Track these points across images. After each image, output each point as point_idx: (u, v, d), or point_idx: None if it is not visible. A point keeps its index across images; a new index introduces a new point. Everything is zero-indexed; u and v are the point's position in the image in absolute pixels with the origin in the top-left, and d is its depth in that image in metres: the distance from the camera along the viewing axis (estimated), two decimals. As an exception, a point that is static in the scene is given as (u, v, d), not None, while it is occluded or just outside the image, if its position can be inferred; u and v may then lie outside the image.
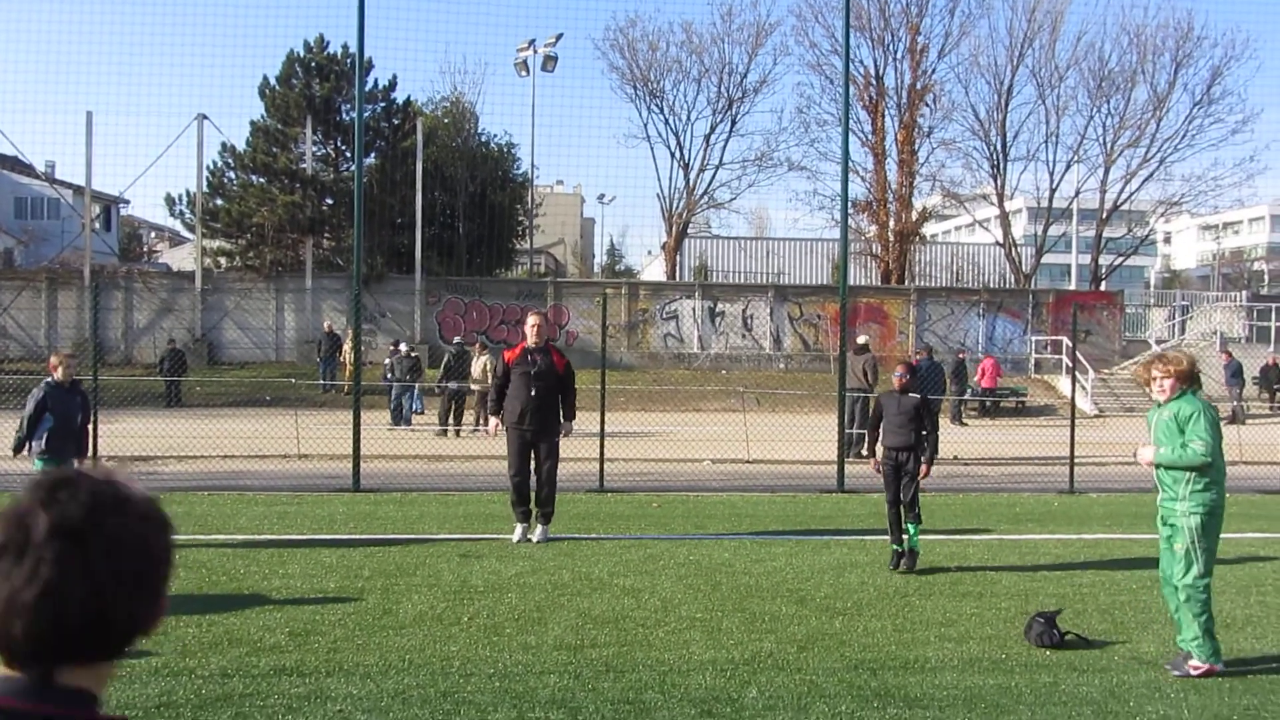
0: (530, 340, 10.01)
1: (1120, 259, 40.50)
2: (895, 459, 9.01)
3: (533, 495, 10.07)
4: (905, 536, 8.95)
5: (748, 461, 17.04)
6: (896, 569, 8.82)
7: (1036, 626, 6.77)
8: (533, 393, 9.80)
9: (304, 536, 10.16)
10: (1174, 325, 37.34)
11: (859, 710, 5.45)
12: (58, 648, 1.31)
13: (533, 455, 9.99)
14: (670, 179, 40.42)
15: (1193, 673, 6.06)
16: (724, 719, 5.30)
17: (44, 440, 9.21)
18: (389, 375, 22.94)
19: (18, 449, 9.31)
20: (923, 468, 9.00)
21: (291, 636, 6.62)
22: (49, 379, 9.37)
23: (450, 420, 21.68)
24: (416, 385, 22.96)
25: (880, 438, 9.25)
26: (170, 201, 34.15)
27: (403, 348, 24.19)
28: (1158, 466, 6.31)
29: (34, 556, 1.29)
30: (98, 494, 1.35)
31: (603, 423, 14.16)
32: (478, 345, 23.05)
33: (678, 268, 40.28)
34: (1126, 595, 8.19)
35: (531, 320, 10.11)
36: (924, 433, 9.04)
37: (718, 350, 34.02)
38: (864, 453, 17.02)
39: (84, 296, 30.42)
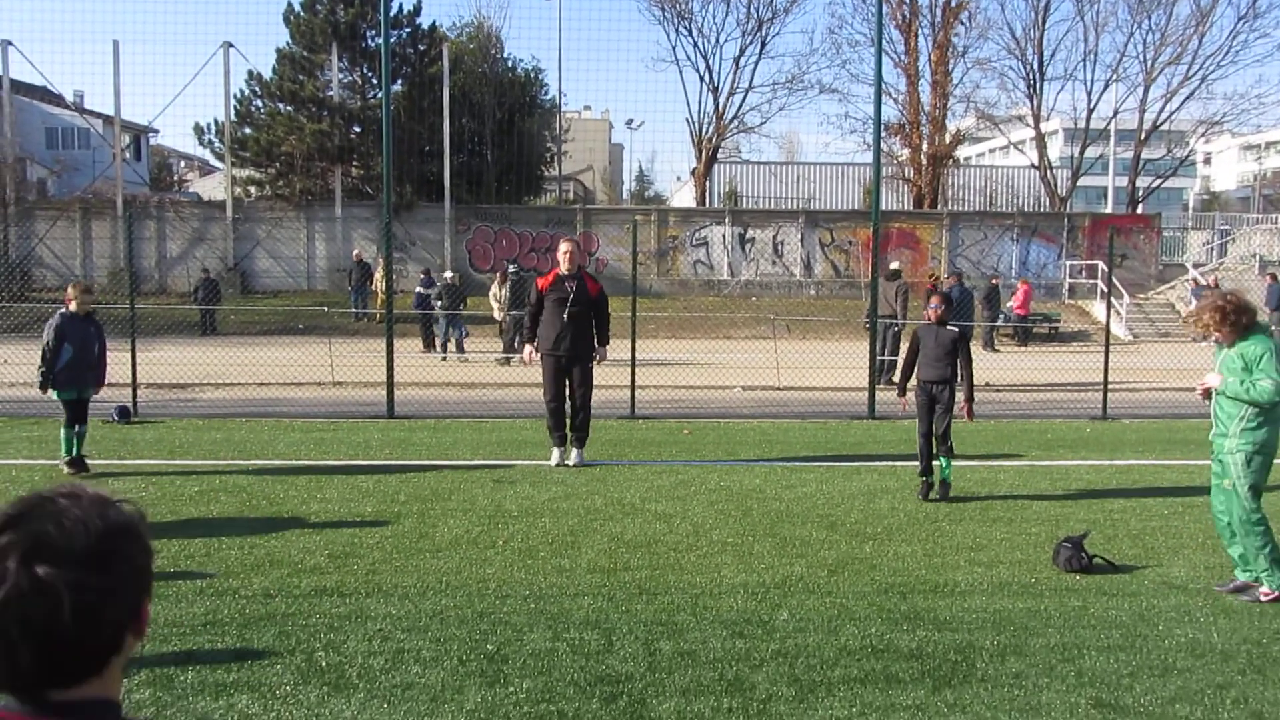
0: (563, 267, 10.01)
1: (1158, 181, 39.67)
2: (930, 392, 8.92)
3: (568, 420, 10.18)
4: (937, 466, 8.94)
5: (778, 388, 17.06)
6: (925, 499, 8.81)
7: (1064, 551, 6.81)
8: (566, 318, 9.85)
9: (340, 462, 10.33)
10: (1213, 249, 36.71)
11: (889, 632, 5.53)
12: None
13: (567, 381, 10.07)
14: (699, 103, 39.87)
15: (1263, 598, 6.12)
16: (755, 640, 5.40)
17: (63, 370, 9.35)
18: (438, 303, 22.49)
19: (45, 384, 9.41)
20: (964, 405, 8.91)
21: (331, 558, 6.78)
22: (64, 310, 9.48)
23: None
24: (460, 313, 22.62)
25: (915, 371, 9.14)
26: (199, 130, 34.11)
27: (447, 275, 23.87)
28: (1218, 398, 6.24)
29: None
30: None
31: (633, 350, 14.20)
32: (499, 273, 22.86)
33: (707, 194, 39.89)
34: (1158, 521, 8.19)
35: (564, 247, 10.08)
36: (959, 367, 8.93)
37: (748, 277, 33.86)
38: (894, 382, 17.00)
39: (117, 226, 30.66)
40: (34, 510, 1.35)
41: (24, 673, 1.31)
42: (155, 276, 31.72)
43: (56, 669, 1.33)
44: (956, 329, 9.02)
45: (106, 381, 9.99)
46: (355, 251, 30.15)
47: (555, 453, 10.18)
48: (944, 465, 8.89)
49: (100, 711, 1.37)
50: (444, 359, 21.32)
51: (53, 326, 9.36)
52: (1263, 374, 6.00)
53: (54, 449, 10.44)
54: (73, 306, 9.48)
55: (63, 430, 9.54)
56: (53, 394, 9.46)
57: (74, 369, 9.40)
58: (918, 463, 9.07)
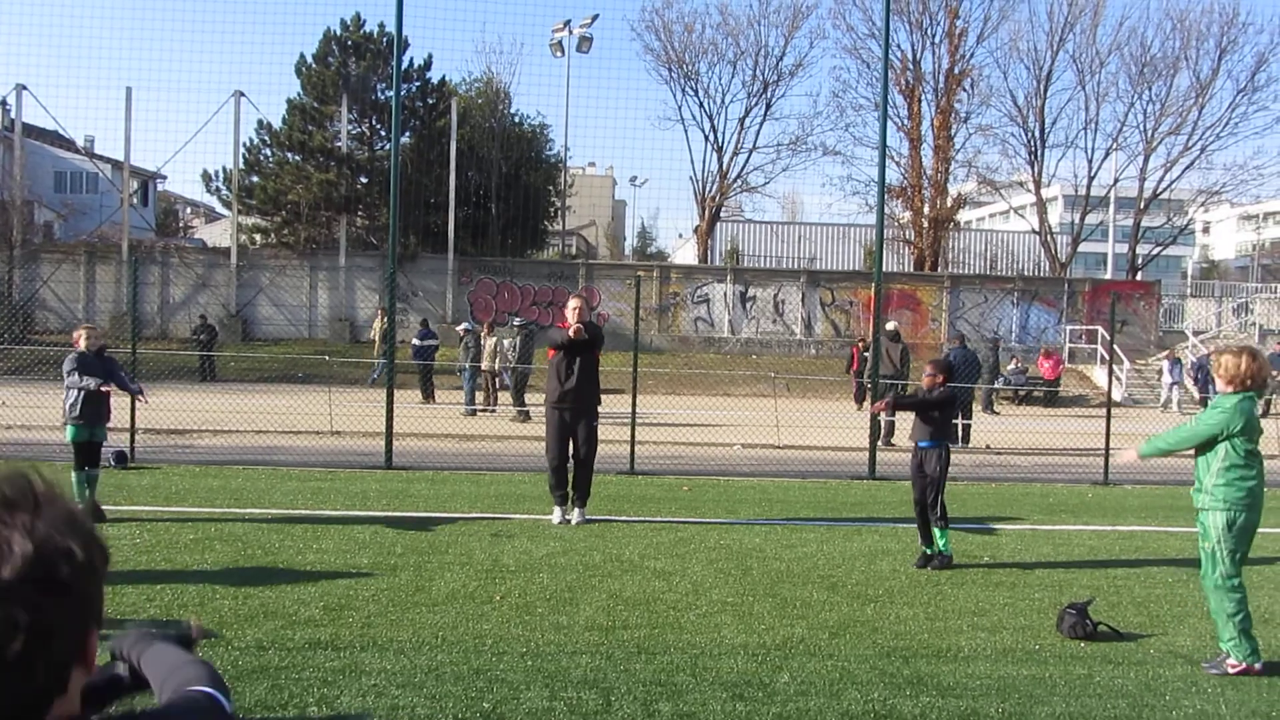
0: (571, 321, 9.95)
1: (1158, 248, 39.95)
2: (919, 457, 8.81)
3: (570, 478, 10.11)
4: (934, 538, 8.72)
5: (778, 447, 16.99)
6: (923, 568, 8.56)
7: (1069, 618, 6.72)
8: (574, 377, 9.80)
9: (337, 512, 10.25)
10: (1220, 315, 36.91)
11: (891, 697, 5.44)
12: None
13: (571, 440, 10.00)
14: (704, 162, 40.36)
15: (1230, 671, 5.99)
16: (756, 703, 5.30)
17: (78, 408, 9.33)
18: (468, 357, 21.64)
19: (97, 386, 9.41)
20: (885, 401, 9.43)
21: (326, 611, 6.68)
22: (76, 351, 9.53)
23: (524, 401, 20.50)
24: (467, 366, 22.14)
25: (911, 432, 9.09)
26: (207, 178, 34.52)
27: (463, 327, 23.54)
28: (1197, 460, 6.27)
29: None
30: None
31: (634, 405, 14.17)
32: (486, 325, 22.68)
33: (709, 251, 40.14)
34: (1162, 588, 8.11)
35: (573, 304, 10.04)
36: (948, 425, 8.91)
37: (748, 335, 33.94)
38: (893, 444, 16.95)
39: (122, 270, 30.80)
40: None
41: None
42: (158, 321, 31.80)
43: None
44: (949, 391, 8.99)
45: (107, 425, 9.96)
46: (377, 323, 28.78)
47: (557, 511, 10.07)
48: (937, 536, 8.67)
49: None
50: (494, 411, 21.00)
51: (70, 369, 9.34)
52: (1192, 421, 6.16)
53: (49, 492, 10.36)
54: (82, 345, 9.53)
55: (73, 474, 9.45)
56: (66, 432, 9.44)
57: (88, 405, 9.37)
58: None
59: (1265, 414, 23.54)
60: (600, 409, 10.23)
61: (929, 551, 8.71)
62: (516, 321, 22.24)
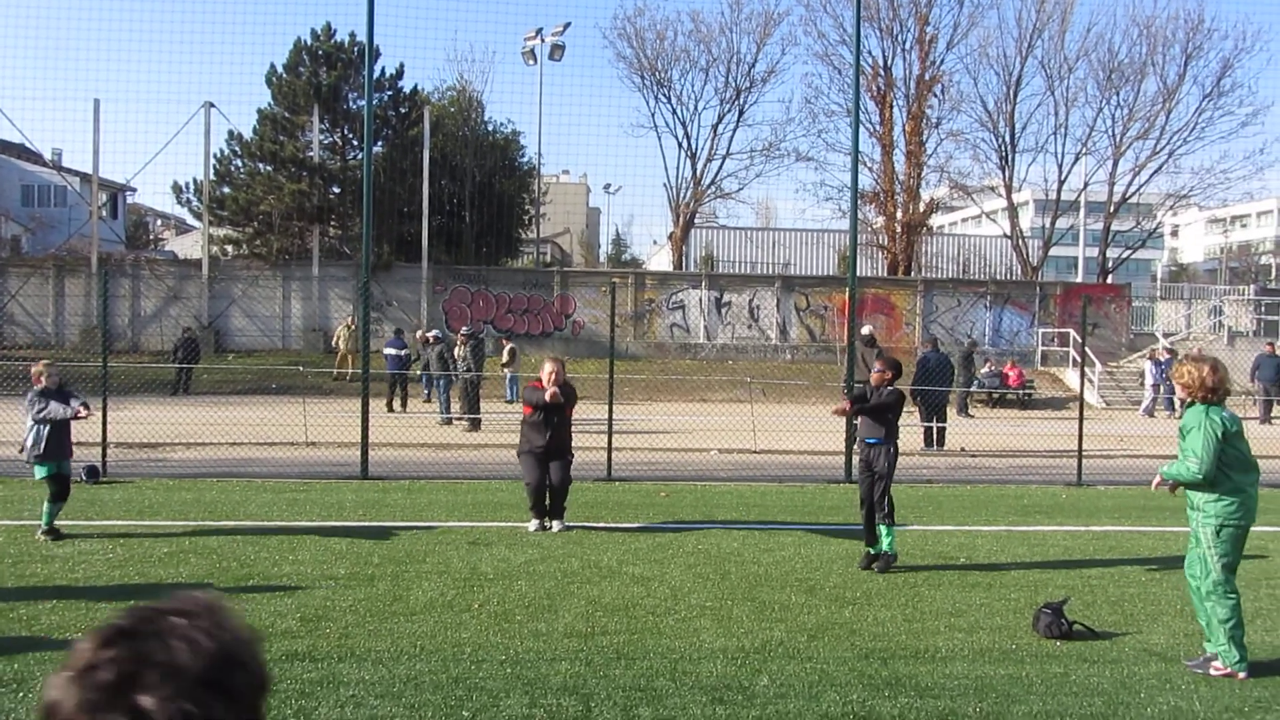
0: (547, 385, 10.11)
1: (1128, 252, 40.34)
2: (867, 454, 8.86)
3: (548, 500, 10.23)
4: (880, 537, 8.72)
5: (754, 451, 17.03)
6: (866, 569, 8.58)
7: (1044, 617, 6.78)
8: (549, 432, 10.08)
9: (313, 523, 10.18)
10: (1190, 317, 37.30)
11: (870, 699, 5.46)
12: None
13: (548, 470, 10.18)
14: (677, 169, 40.25)
15: (1213, 673, 6.03)
16: (735, 706, 5.31)
17: (42, 445, 9.18)
18: (467, 364, 20.93)
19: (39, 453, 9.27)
20: (845, 403, 8.96)
21: (303, 622, 6.64)
22: (37, 388, 9.36)
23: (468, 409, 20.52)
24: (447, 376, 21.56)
25: (858, 430, 9.15)
26: (177, 189, 34.18)
27: (433, 333, 23.13)
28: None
29: None
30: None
31: (611, 412, 14.17)
32: (461, 335, 22.34)
33: (684, 258, 40.20)
34: (1136, 587, 8.18)
35: (549, 367, 10.23)
36: (896, 423, 8.87)
37: (724, 340, 33.99)
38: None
39: (91, 283, 30.50)
40: (143, 626, 1.20)
41: None
42: (128, 335, 31.46)
43: None
44: (899, 391, 9.00)
45: (75, 441, 9.87)
46: (419, 332, 25.84)
47: (534, 522, 10.10)
48: (883, 534, 8.67)
49: None
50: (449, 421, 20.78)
51: (34, 407, 9.20)
52: (1189, 452, 6.07)
53: (19, 509, 10.28)
54: (44, 383, 9.37)
55: (47, 505, 9.24)
56: (36, 471, 9.29)
57: (52, 442, 9.24)
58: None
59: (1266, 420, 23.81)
60: (574, 421, 10.42)
61: (873, 551, 8.75)
62: (464, 330, 21.89)
